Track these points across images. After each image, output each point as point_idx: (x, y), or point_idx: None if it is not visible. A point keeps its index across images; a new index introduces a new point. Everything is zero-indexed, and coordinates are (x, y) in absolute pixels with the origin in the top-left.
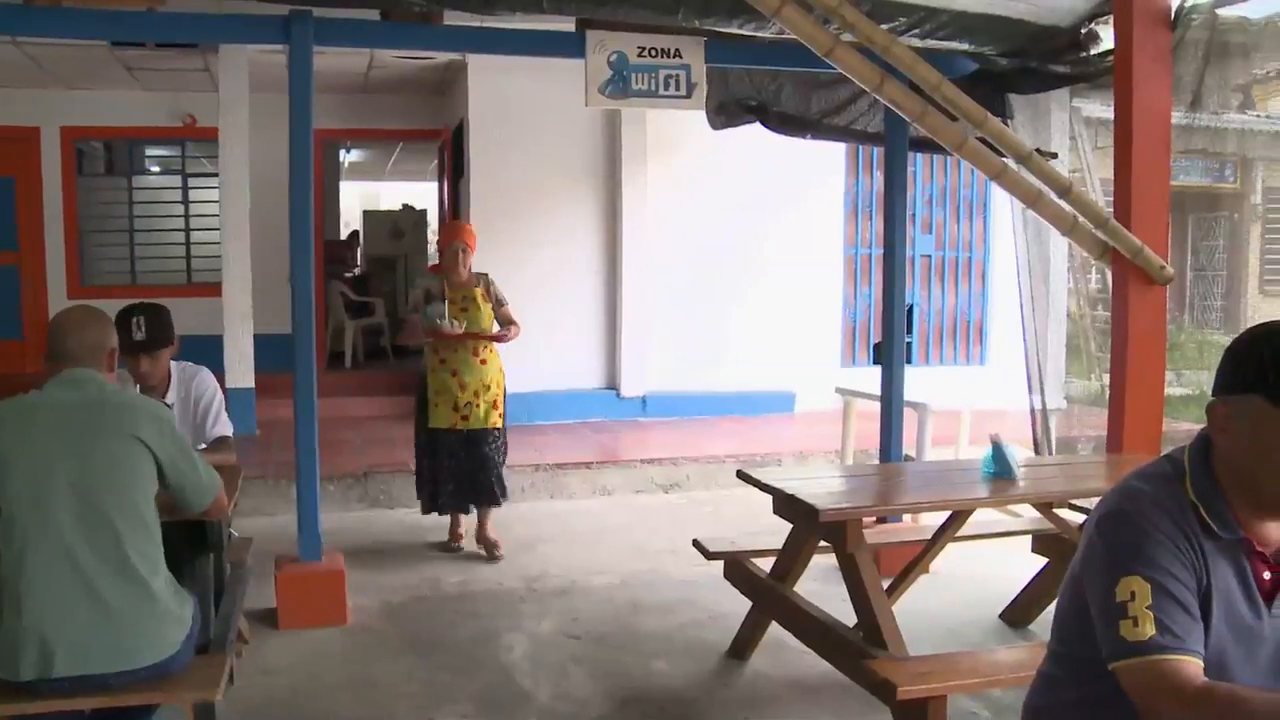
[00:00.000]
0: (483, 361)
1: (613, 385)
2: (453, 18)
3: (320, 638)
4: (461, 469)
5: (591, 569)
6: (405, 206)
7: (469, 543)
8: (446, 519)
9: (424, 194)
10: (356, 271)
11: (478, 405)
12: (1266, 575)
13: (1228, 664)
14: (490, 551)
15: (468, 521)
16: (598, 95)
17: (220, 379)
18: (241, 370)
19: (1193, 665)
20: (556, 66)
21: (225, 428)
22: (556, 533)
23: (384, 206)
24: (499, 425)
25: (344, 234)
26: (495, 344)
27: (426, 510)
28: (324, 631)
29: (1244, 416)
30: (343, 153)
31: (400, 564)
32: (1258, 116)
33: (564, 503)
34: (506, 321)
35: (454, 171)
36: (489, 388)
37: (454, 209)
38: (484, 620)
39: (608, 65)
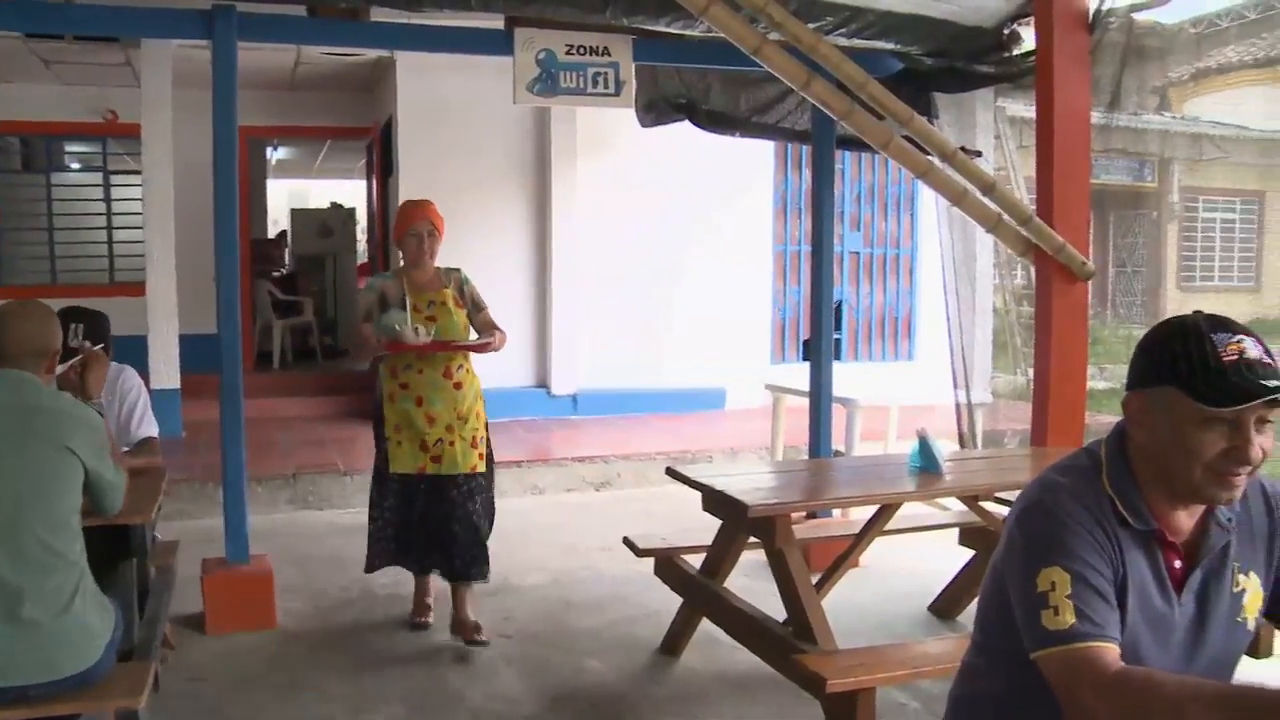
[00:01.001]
0: (457, 385)
1: (543, 383)
2: (380, 14)
3: (249, 642)
4: (431, 527)
5: (523, 568)
6: (334, 205)
7: (441, 621)
8: (403, 576)
9: (353, 192)
10: (284, 270)
11: (452, 442)
12: (1177, 564)
13: (1141, 650)
14: (470, 637)
15: (436, 586)
16: (526, 93)
17: (145, 380)
18: (167, 371)
19: (1111, 652)
20: (486, 64)
21: (150, 428)
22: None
23: (312, 205)
24: (481, 469)
25: (272, 232)
26: (473, 358)
27: (372, 566)
28: (253, 635)
29: (1159, 409)
30: (270, 150)
31: (331, 565)
32: (1174, 118)
33: (495, 501)
34: (487, 328)
35: (383, 169)
36: (466, 419)
37: (383, 207)
38: None
39: (536, 63)
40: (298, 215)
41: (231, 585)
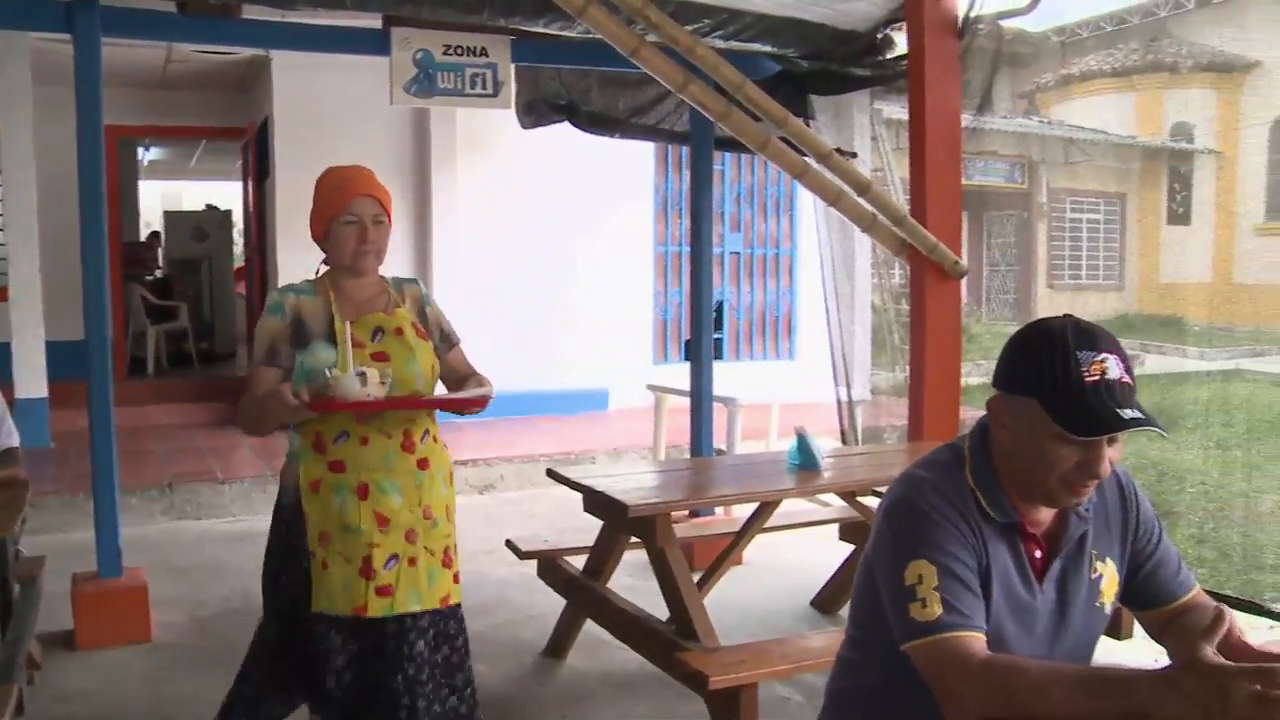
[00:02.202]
0: (422, 463)
1: None
2: (254, 11)
3: (123, 657)
4: (372, 696)
5: None
6: (209, 207)
7: None
8: None
9: (229, 194)
10: (158, 274)
11: (413, 559)
12: (1038, 554)
13: (1007, 638)
14: None
15: None
16: (403, 94)
17: (9, 389)
18: (33, 379)
19: (977, 640)
20: (363, 64)
21: (11, 438)
22: None
23: (187, 206)
24: (457, 599)
25: (144, 235)
26: (443, 418)
27: None
28: (127, 650)
29: (1019, 415)
30: (141, 150)
31: (209, 575)
32: (1041, 122)
33: None
34: (463, 373)
35: (259, 171)
36: (436, 520)
37: (259, 210)
38: None
39: (413, 63)
40: (172, 218)
41: (103, 599)
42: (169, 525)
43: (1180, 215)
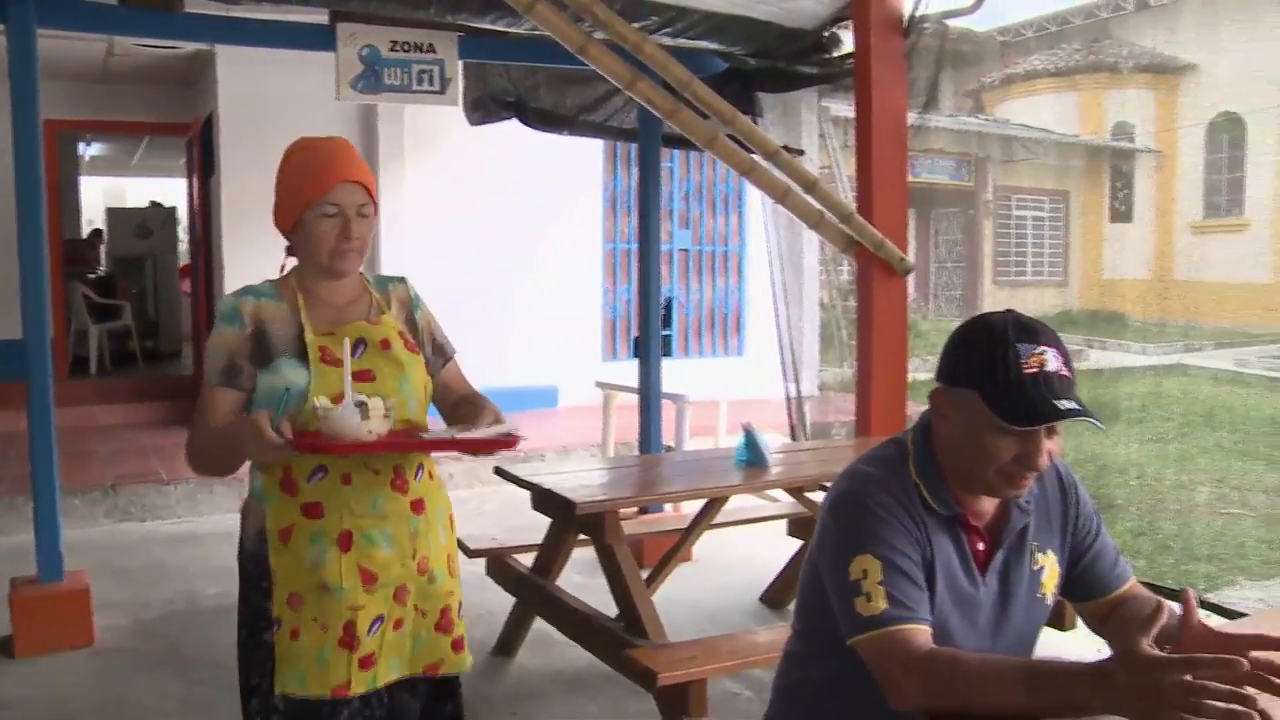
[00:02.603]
0: (416, 505)
1: None
2: (196, 5)
3: (64, 663)
4: None
5: None
6: (153, 204)
7: None
8: (232, 585)
9: (174, 190)
10: (100, 272)
11: (400, 621)
12: (981, 546)
13: (951, 630)
14: None
15: None
16: (349, 90)
17: None
18: None
19: (922, 634)
20: (310, 59)
21: None
22: None
23: (130, 204)
24: (467, 665)
25: (85, 232)
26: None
27: None
28: (68, 655)
29: (960, 408)
30: (82, 146)
31: (154, 578)
32: (987, 120)
33: None
34: (465, 394)
35: (204, 168)
36: (434, 576)
37: (204, 207)
38: None
39: (359, 59)
40: (115, 214)
41: (43, 604)
42: (112, 527)
43: (1122, 213)
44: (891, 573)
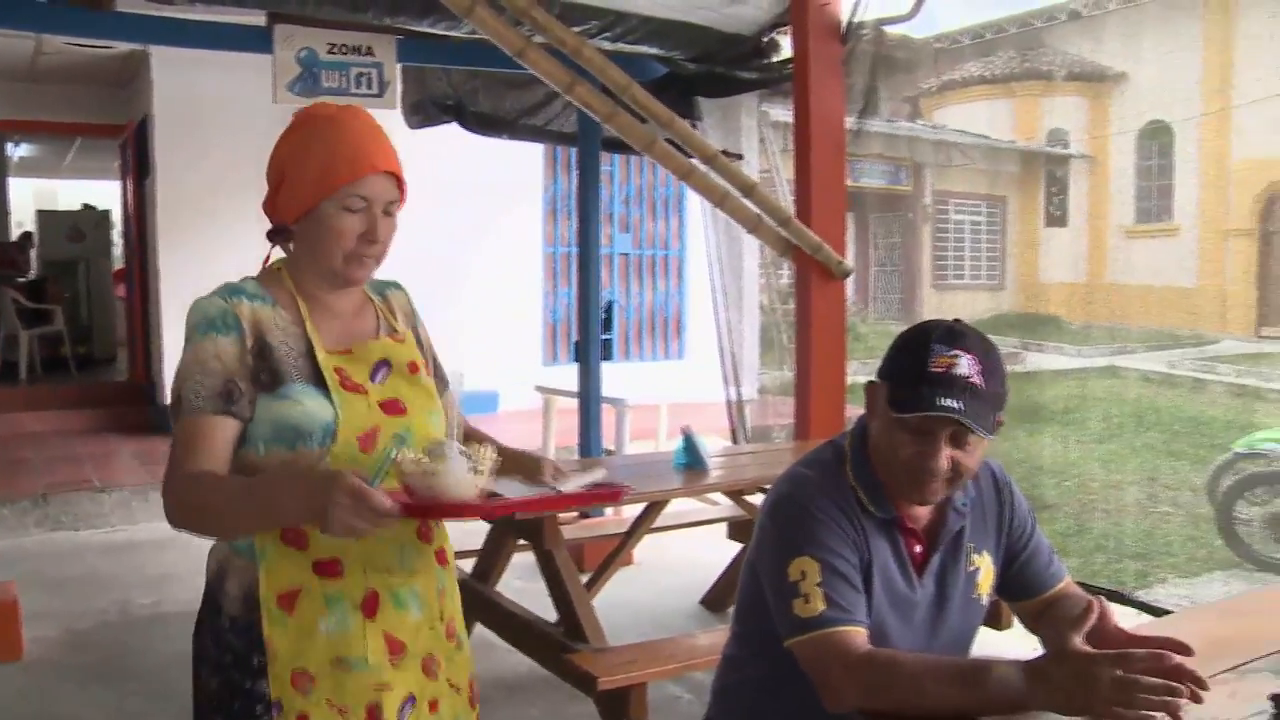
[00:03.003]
0: (440, 555)
1: None
2: (130, 4)
3: None
4: None
5: None
6: (86, 206)
7: None
8: (168, 594)
9: (108, 193)
10: (31, 276)
11: (438, 703)
12: (918, 549)
13: (888, 632)
14: None
15: None
16: (286, 93)
17: None
18: None
19: (859, 635)
20: (247, 61)
21: None
22: None
23: (62, 206)
24: None
25: (15, 235)
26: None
27: None
28: None
29: (876, 400)
30: (11, 147)
31: (86, 588)
32: (925, 126)
33: None
34: (467, 429)
35: (139, 170)
36: (460, 641)
37: (139, 210)
38: (180, 642)
39: (296, 61)
40: (46, 217)
41: None
42: (44, 536)
43: (1057, 217)
44: (829, 575)
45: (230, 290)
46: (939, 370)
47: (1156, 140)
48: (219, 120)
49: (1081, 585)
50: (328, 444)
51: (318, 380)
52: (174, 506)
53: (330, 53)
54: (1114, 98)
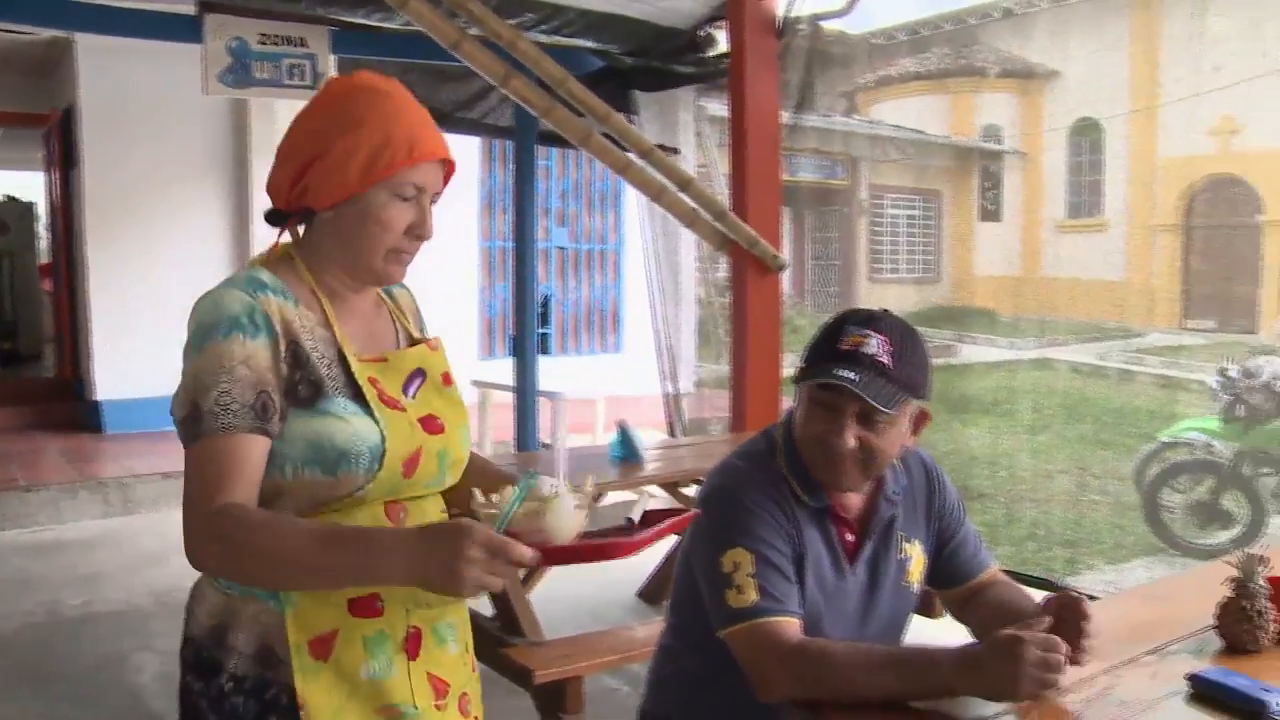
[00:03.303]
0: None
1: None
2: None
3: None
4: None
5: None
6: (9, 198)
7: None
8: (98, 594)
9: (31, 185)
10: None
11: None
12: (849, 537)
13: (820, 620)
14: None
15: None
16: (217, 84)
17: None
18: None
19: (792, 625)
20: (178, 50)
21: None
22: None
23: None
24: None
25: None
26: None
27: None
28: None
29: (798, 389)
30: None
31: (12, 589)
32: (861, 121)
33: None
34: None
35: (64, 161)
36: (478, 673)
37: (65, 202)
38: (109, 643)
39: (227, 52)
40: None
41: None
42: None
43: (991, 212)
44: (762, 566)
45: (253, 283)
46: (847, 348)
47: (1087, 137)
48: (148, 111)
49: (1012, 574)
50: (374, 469)
51: (354, 393)
52: (207, 548)
53: (262, 43)
54: (1046, 95)
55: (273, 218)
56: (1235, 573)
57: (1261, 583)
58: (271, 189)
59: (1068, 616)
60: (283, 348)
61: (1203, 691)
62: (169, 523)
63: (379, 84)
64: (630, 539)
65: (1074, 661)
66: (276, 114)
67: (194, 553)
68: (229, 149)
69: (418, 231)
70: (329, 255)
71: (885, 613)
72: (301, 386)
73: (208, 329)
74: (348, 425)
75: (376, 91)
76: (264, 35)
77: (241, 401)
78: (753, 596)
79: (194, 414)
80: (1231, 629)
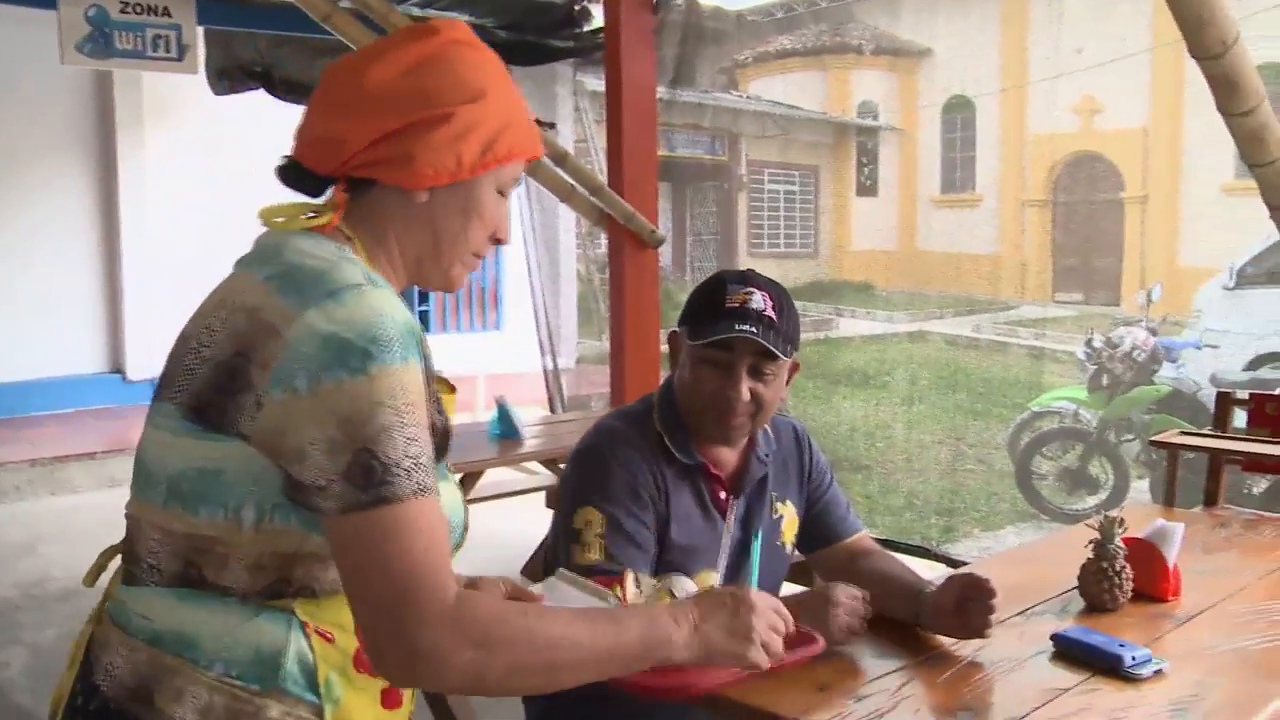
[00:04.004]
0: None
1: (118, 369)
2: None
3: None
4: None
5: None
6: None
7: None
8: None
9: None
10: None
11: None
12: (723, 495)
13: (692, 577)
14: None
15: None
16: (75, 54)
17: None
18: None
19: None
20: (34, 17)
21: None
22: (58, 532)
23: None
24: None
25: None
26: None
27: None
28: None
29: (678, 344)
30: None
31: None
32: (740, 96)
33: (66, 498)
34: None
35: None
36: None
37: None
38: None
39: (85, 20)
40: None
41: None
42: None
43: (868, 187)
44: (613, 530)
45: (372, 278)
46: (735, 304)
47: (959, 114)
48: (4, 80)
49: (890, 543)
50: (458, 544)
51: (445, 434)
52: (459, 655)
53: (123, 12)
54: (920, 72)
55: (299, 178)
56: (1095, 535)
57: (1119, 544)
58: (320, 142)
59: (973, 595)
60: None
61: (1064, 650)
62: (36, 512)
63: (498, 61)
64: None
65: (980, 634)
66: (142, 84)
67: (437, 664)
68: (93, 119)
69: (500, 235)
70: (389, 247)
71: (760, 571)
72: (437, 426)
73: (383, 344)
74: (446, 488)
75: (498, 61)
76: (125, 4)
77: (428, 454)
78: (594, 556)
79: (372, 465)
80: (1091, 589)
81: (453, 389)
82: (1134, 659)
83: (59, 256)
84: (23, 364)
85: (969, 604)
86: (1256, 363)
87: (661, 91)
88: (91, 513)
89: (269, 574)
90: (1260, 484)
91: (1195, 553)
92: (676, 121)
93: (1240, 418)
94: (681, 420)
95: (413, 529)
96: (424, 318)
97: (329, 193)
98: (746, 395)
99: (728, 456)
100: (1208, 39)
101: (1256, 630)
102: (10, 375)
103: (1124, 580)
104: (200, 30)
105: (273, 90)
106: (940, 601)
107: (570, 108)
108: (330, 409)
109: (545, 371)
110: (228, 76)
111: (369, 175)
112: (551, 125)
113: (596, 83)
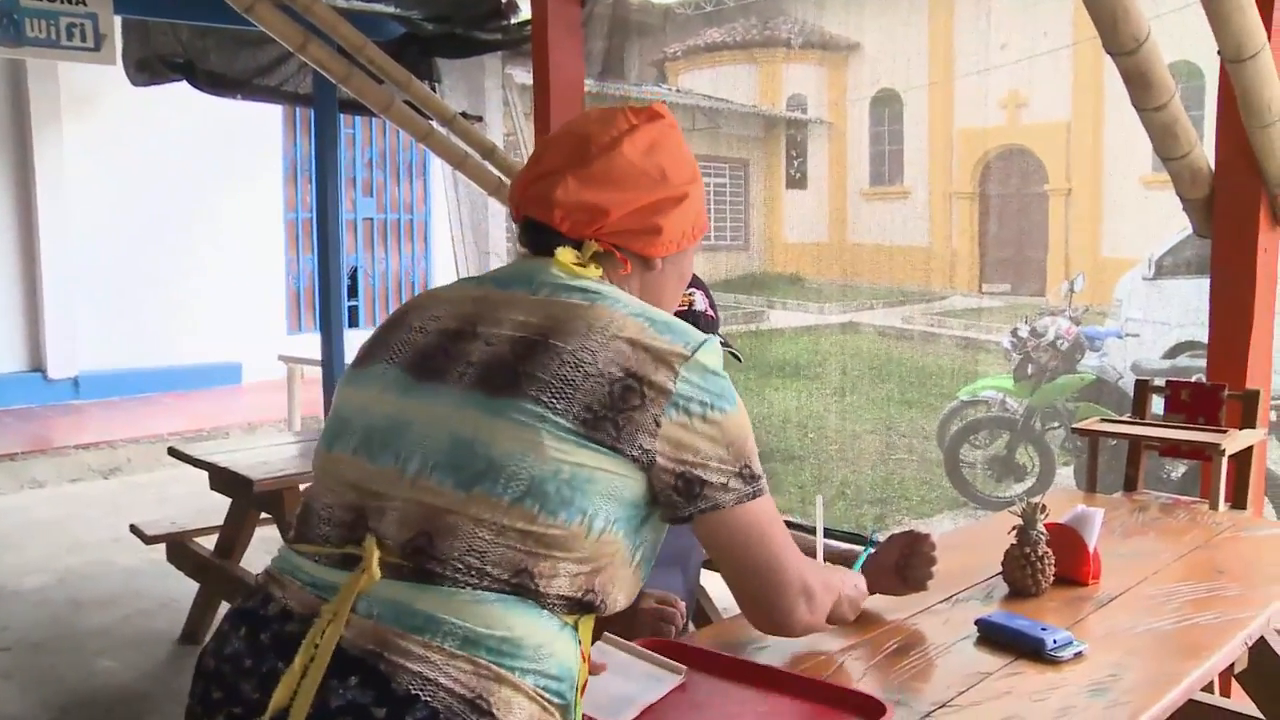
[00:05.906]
0: None
1: (38, 367)
2: None
3: None
4: None
5: (21, 570)
6: None
7: None
8: None
9: None
10: None
11: None
12: None
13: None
14: None
15: None
16: None
17: None
18: None
19: None
20: None
21: None
22: None
23: None
24: None
25: None
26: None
27: None
28: None
29: None
30: None
31: None
32: (670, 90)
33: None
34: None
35: None
36: None
37: None
38: None
39: None
40: None
41: None
42: None
43: (798, 180)
44: None
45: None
46: (683, 309)
47: (887, 107)
48: None
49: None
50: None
51: None
52: (816, 617)
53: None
54: (849, 66)
55: (541, 237)
56: (1019, 521)
57: (1041, 530)
58: (581, 208)
59: (917, 549)
60: None
61: (989, 634)
62: None
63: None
64: None
65: (922, 587)
66: (59, 75)
67: (807, 624)
68: (6, 116)
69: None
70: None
71: (670, 539)
72: None
73: (730, 382)
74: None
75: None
76: None
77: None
78: None
79: (755, 471)
80: (1014, 575)
81: None
82: (1055, 642)
83: None
84: None
85: (911, 559)
86: (1175, 351)
87: (590, 84)
88: (10, 515)
89: (581, 583)
90: (1178, 469)
91: (1115, 537)
92: None
93: (1158, 404)
94: None
95: (779, 522)
96: (354, 313)
97: (584, 251)
98: None
99: None
100: (1122, 35)
101: (1171, 610)
102: None
103: (1046, 565)
104: (118, 20)
105: (195, 82)
106: (882, 559)
107: (499, 101)
108: (721, 433)
109: None
110: (148, 68)
111: (617, 243)
112: (479, 119)
113: (525, 76)
